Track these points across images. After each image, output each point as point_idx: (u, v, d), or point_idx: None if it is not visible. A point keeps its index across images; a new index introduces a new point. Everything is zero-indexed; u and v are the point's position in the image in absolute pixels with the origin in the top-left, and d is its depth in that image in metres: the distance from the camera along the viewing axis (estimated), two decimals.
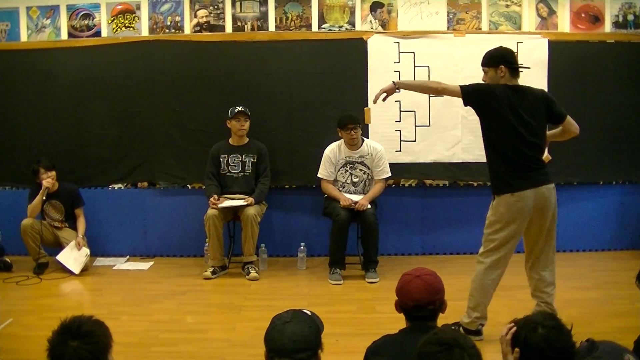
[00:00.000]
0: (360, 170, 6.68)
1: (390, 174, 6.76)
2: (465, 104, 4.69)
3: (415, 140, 7.10)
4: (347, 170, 6.68)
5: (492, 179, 4.76)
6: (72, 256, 6.68)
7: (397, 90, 4.93)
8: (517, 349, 2.51)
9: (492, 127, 4.64)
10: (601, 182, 7.28)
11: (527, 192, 4.59)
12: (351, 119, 6.50)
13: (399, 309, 3.09)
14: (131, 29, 7.23)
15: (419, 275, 3.03)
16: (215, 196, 6.55)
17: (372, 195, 6.60)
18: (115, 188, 7.35)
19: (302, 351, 2.49)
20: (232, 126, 6.75)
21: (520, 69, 4.77)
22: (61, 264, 6.62)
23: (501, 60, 4.69)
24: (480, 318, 4.80)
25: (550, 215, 4.78)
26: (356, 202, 6.41)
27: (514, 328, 2.56)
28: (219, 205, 6.46)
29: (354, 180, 6.68)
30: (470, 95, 4.63)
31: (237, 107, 6.67)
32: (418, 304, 2.97)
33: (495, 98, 4.55)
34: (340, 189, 6.68)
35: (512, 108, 4.54)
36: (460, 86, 4.66)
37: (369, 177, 6.70)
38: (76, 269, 6.59)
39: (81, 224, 6.93)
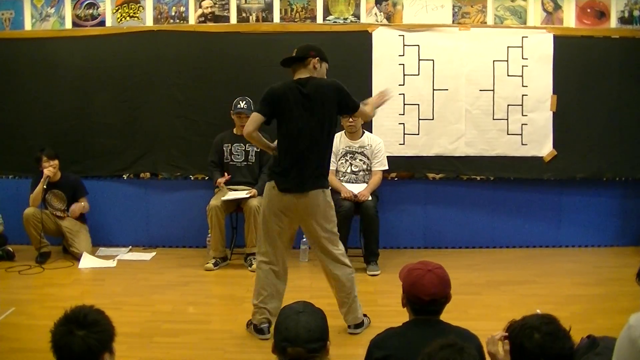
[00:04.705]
0: (360, 160, 6.70)
1: (387, 167, 6.78)
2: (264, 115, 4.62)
3: (418, 134, 7.10)
4: (347, 160, 6.70)
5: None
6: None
7: None
8: (506, 341, 2.51)
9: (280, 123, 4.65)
10: (605, 179, 7.25)
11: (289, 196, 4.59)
12: None
13: (406, 303, 3.05)
14: (135, 18, 7.22)
15: (430, 269, 2.99)
16: (221, 180, 6.59)
17: (372, 187, 6.62)
18: (118, 178, 7.35)
19: (315, 341, 2.52)
20: (234, 120, 6.74)
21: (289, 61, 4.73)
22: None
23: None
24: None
25: (320, 217, 4.70)
26: (357, 194, 6.42)
27: (504, 334, 2.55)
28: (222, 198, 6.46)
29: (354, 169, 6.69)
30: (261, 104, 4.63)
31: (240, 103, 6.65)
32: (434, 298, 2.93)
33: (280, 96, 4.57)
34: (341, 178, 6.70)
35: (296, 104, 4.54)
36: None
37: (369, 167, 6.71)
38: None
39: (85, 206, 6.97)
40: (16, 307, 5.21)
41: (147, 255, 7.02)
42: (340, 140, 6.70)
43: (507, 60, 7.03)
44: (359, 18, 7.14)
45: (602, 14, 7.15)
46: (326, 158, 4.72)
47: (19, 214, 6.62)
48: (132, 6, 7.20)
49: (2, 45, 7.26)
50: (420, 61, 7.05)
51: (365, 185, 6.61)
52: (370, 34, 7.05)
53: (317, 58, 4.64)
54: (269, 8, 7.15)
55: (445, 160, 7.16)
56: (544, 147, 7.10)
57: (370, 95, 6.88)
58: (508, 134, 7.08)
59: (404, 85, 7.05)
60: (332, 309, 4.69)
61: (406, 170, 7.17)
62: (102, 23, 7.24)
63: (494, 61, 7.04)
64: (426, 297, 2.93)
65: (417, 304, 2.98)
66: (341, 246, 4.82)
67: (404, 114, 7.07)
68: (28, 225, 6.59)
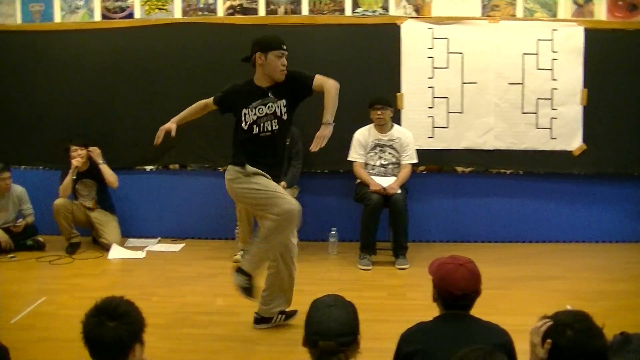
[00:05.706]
0: (389, 153, 6.67)
1: (416, 161, 6.74)
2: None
3: (447, 127, 7.07)
4: (376, 153, 6.68)
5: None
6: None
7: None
8: (548, 340, 2.46)
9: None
10: (635, 173, 7.15)
11: None
12: (379, 99, 6.54)
13: (437, 297, 3.04)
14: (164, 11, 7.24)
15: (461, 263, 2.98)
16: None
17: (401, 180, 6.60)
18: (147, 170, 7.40)
19: (347, 335, 2.52)
20: None
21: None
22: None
23: None
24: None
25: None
26: (385, 188, 6.41)
27: (550, 323, 2.50)
28: None
29: (383, 162, 6.67)
30: None
31: None
32: (466, 293, 2.93)
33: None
34: (370, 171, 6.68)
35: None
36: None
37: (398, 160, 6.69)
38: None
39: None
40: (47, 297, 5.28)
41: (176, 247, 7.07)
42: (369, 133, 6.68)
43: (536, 54, 6.97)
44: (387, 10, 7.11)
45: (634, 7, 7.05)
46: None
47: (49, 205, 6.72)
48: None
49: (32, 37, 7.33)
50: (450, 54, 7.01)
51: (394, 178, 6.59)
52: (399, 27, 7.01)
53: (258, 53, 4.62)
54: (297, 0, 7.14)
55: (474, 154, 7.12)
56: (574, 141, 7.04)
57: (399, 90, 6.90)
58: (537, 128, 7.03)
59: (433, 78, 7.02)
60: (361, 302, 4.63)
61: (435, 163, 7.14)
62: (130, 15, 7.29)
63: (523, 54, 6.97)
64: (458, 292, 2.92)
65: (449, 298, 2.96)
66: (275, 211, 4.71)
67: (433, 107, 7.04)
68: (58, 216, 6.67)
